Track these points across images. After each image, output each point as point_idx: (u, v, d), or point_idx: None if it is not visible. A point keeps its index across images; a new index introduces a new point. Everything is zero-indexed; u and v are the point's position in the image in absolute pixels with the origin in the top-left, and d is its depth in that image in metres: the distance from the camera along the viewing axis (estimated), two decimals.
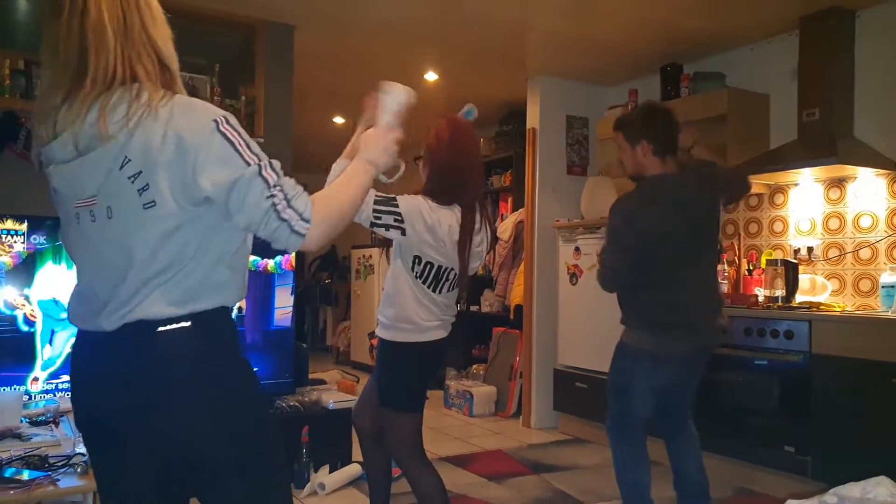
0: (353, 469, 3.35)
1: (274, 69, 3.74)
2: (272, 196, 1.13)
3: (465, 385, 5.11)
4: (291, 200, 1.14)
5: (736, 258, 3.87)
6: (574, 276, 4.37)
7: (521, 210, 5.07)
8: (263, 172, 1.14)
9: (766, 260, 3.59)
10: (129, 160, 1.10)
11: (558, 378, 4.48)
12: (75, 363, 1.25)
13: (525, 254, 4.83)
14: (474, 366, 5.45)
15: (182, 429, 1.15)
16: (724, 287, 3.72)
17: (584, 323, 4.24)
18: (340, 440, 3.45)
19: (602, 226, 4.13)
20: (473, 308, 5.75)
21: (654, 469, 2.58)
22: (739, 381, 3.32)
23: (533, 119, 4.74)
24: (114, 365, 1.16)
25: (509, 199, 5.50)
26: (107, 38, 1.11)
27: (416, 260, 2.17)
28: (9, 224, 2.81)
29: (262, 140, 3.67)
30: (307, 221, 1.15)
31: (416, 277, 2.18)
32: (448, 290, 2.25)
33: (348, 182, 1.29)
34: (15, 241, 2.80)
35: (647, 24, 3.70)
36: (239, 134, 1.14)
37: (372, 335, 6.85)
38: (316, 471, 3.24)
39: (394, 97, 1.41)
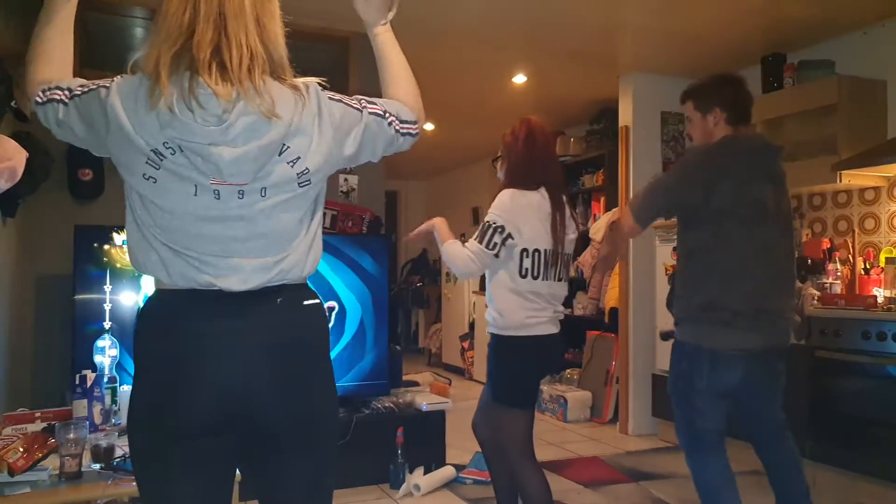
0: (448, 472, 3.38)
1: (366, 79, 3.84)
2: (391, 124, 1.33)
3: (558, 389, 5.05)
4: (399, 117, 1.34)
5: (850, 256, 3.62)
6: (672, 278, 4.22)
7: (614, 210, 4.96)
8: (371, 109, 1.31)
9: (886, 258, 3.34)
10: (289, 146, 1.18)
11: (657, 383, 4.33)
12: (188, 327, 1.19)
13: (620, 255, 4.72)
14: (568, 370, 5.37)
15: (315, 395, 1.26)
16: (837, 287, 3.49)
17: None
18: (434, 442, 3.49)
19: None
20: (566, 311, 5.66)
21: (752, 478, 2.38)
22: (857, 387, 3.10)
23: (626, 117, 4.63)
24: (260, 323, 1.21)
25: (602, 199, 5.39)
26: (250, 24, 1.18)
27: (524, 253, 2.24)
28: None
29: None
30: (415, 123, 1.37)
31: (526, 275, 2.24)
32: (555, 279, 2.30)
33: (396, 60, 1.42)
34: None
35: (745, 13, 3.53)
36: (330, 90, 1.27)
37: (464, 338, 6.89)
38: (411, 472, 3.29)
39: None
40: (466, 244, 2.26)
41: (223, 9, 1.15)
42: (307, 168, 1.21)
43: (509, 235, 2.21)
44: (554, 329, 2.31)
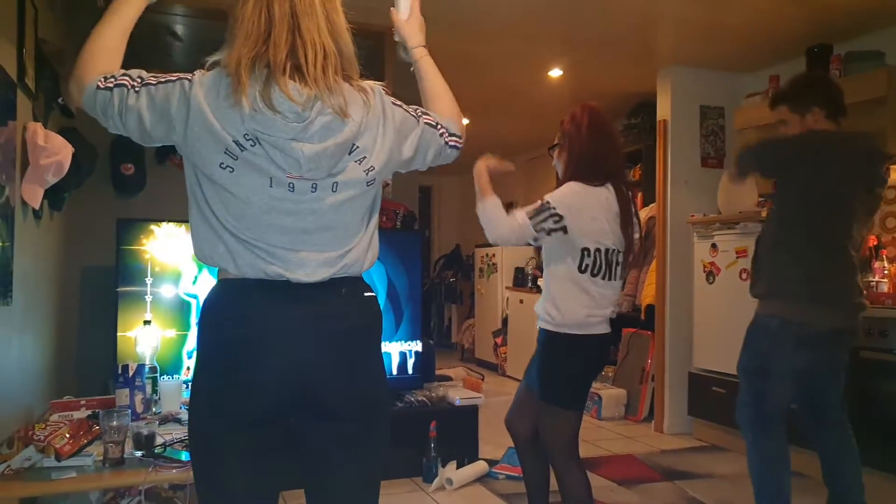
0: (480, 466, 3.38)
1: (400, 73, 3.84)
2: (441, 134, 1.42)
3: (593, 387, 5.00)
4: (448, 129, 1.43)
5: None
6: (711, 275, 4.14)
7: (651, 205, 4.88)
8: (425, 118, 1.39)
9: None
10: (357, 147, 1.25)
11: (693, 382, 4.26)
12: (256, 314, 1.23)
13: (657, 251, 4.65)
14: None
15: (374, 380, 1.33)
16: (884, 286, 3.38)
17: (721, 324, 4.00)
18: (467, 436, 3.50)
19: (741, 221, 3.91)
20: None
21: (800, 481, 2.37)
22: None
23: (664, 110, 4.55)
24: (325, 311, 1.26)
25: (639, 194, 5.32)
26: (321, 21, 1.23)
27: (585, 252, 2.16)
28: (170, 228, 3.09)
29: None
30: (460, 137, 1.46)
31: (585, 271, 2.16)
32: (616, 278, 2.23)
33: (439, 80, 1.50)
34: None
35: (789, 4, 3.43)
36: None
37: (497, 333, 6.88)
38: (444, 466, 3.30)
39: None
40: (514, 212, 2.17)
41: (294, 8, 1.21)
42: (373, 166, 1.28)
43: (563, 229, 2.13)
44: (608, 329, 2.24)
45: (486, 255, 7.07)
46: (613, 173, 2.23)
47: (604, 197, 2.18)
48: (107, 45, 1.25)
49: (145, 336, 2.87)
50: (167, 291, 3.06)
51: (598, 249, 2.16)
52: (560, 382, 2.21)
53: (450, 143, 1.43)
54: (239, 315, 1.23)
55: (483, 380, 3.87)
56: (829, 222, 2.29)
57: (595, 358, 2.26)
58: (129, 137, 1.26)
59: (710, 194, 4.32)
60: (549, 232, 2.13)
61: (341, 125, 1.21)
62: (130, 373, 2.56)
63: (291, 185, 1.21)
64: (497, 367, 6.64)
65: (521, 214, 2.15)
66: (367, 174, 1.27)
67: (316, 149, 1.19)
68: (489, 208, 2.20)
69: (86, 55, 1.23)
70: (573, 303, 2.17)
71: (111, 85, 1.20)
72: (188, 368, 3.06)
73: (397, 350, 3.47)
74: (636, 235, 2.27)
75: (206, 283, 3.08)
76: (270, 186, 1.20)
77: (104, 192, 3.41)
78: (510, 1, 3.47)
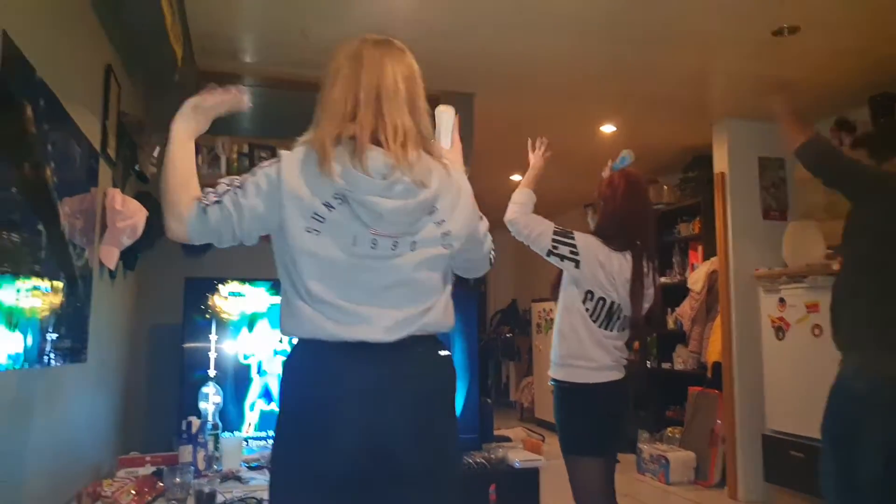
0: None
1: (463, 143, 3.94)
2: (492, 247, 1.53)
3: (659, 449, 4.81)
4: (491, 244, 1.53)
5: None
6: (780, 330, 3.98)
7: (713, 259, 4.77)
8: (485, 223, 1.49)
9: None
10: (437, 209, 1.34)
11: (768, 445, 4.04)
12: (336, 376, 1.27)
13: (721, 306, 4.51)
14: (669, 428, 5.11)
15: (449, 441, 1.36)
16: None
17: (795, 382, 3.82)
18: (528, 500, 3.39)
19: (809, 274, 3.77)
20: (665, 365, 5.44)
21: None
22: None
23: (721, 163, 4.50)
24: (402, 371, 1.30)
25: (699, 248, 5.21)
26: (402, 104, 1.34)
27: (589, 295, 2.24)
28: (234, 286, 3.19)
29: None
30: (492, 259, 1.55)
31: (588, 314, 2.24)
32: (619, 330, 2.28)
33: None
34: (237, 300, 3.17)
35: (847, 55, 3.39)
36: None
37: None
38: None
39: (449, 116, 1.62)
40: (546, 221, 2.30)
41: (380, 92, 1.32)
42: (450, 230, 1.35)
43: (576, 263, 2.23)
44: (617, 375, 2.26)
45: (544, 309, 6.96)
46: (637, 242, 2.30)
47: (617, 264, 2.26)
48: (185, 175, 1.34)
49: (208, 392, 2.93)
50: (230, 348, 3.14)
51: (601, 298, 2.24)
52: (569, 431, 2.25)
53: (491, 252, 1.54)
54: (318, 379, 1.28)
55: (544, 441, 3.77)
56: None
57: (605, 404, 2.26)
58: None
59: (774, 247, 4.20)
60: (562, 258, 2.24)
61: (419, 190, 1.30)
62: (194, 429, 2.61)
63: (374, 241, 1.28)
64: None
65: (550, 223, 2.28)
66: (443, 237, 1.35)
67: (397, 203, 1.27)
68: (524, 197, 2.36)
69: (171, 192, 1.32)
70: (579, 338, 2.23)
71: (214, 199, 1.30)
72: (249, 424, 3.10)
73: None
74: (646, 305, 2.31)
75: (264, 343, 3.15)
76: (354, 245, 1.27)
77: (174, 252, 3.56)
78: (563, 61, 3.54)
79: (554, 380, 2.31)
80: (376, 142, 1.29)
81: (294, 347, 1.34)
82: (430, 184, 1.32)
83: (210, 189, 1.32)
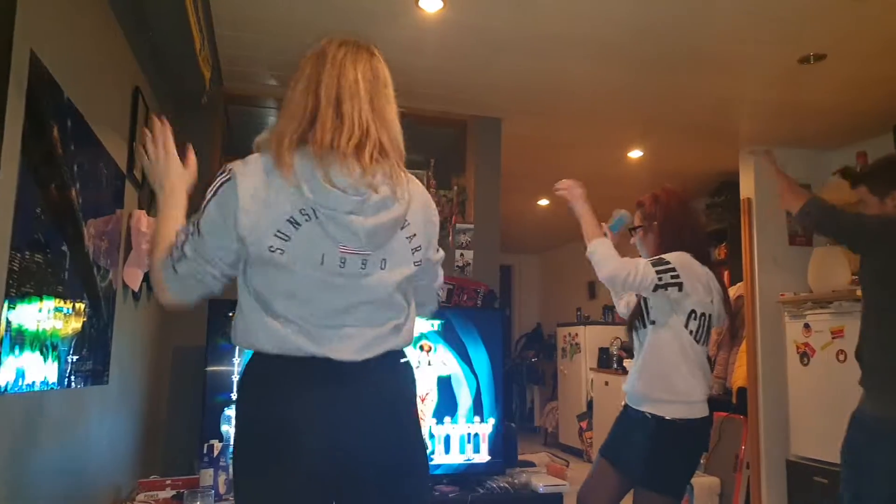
0: None
1: (483, 159, 3.95)
2: (442, 284, 1.53)
3: None
4: (441, 280, 1.54)
5: None
6: (805, 356, 3.90)
7: (739, 284, 4.70)
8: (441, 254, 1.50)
9: None
10: (408, 223, 1.32)
11: (792, 471, 3.96)
12: (297, 394, 1.24)
13: (746, 331, 4.43)
14: None
15: (413, 443, 1.34)
16: None
17: (820, 408, 3.74)
18: None
19: (835, 300, 3.70)
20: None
21: None
22: None
23: (747, 189, 4.45)
24: (367, 391, 1.27)
25: (725, 273, 5.13)
26: (363, 104, 1.28)
27: (692, 315, 2.18)
28: None
29: (471, 226, 3.86)
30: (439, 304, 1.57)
31: (693, 335, 2.17)
32: (706, 345, 2.24)
33: None
34: None
35: (873, 83, 3.36)
36: None
37: (582, 417, 6.62)
38: None
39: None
40: (635, 259, 2.20)
41: (340, 92, 1.26)
42: (420, 245, 1.33)
43: (679, 286, 2.13)
44: (707, 411, 2.20)
45: (569, 334, 6.91)
46: (701, 252, 2.27)
47: (703, 270, 2.22)
48: (163, 252, 1.31)
49: (231, 414, 2.92)
50: None
51: (703, 314, 2.18)
52: (668, 471, 2.15)
53: (439, 287, 1.53)
54: (277, 396, 1.23)
55: (568, 466, 3.70)
56: None
57: (703, 443, 2.23)
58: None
59: (800, 273, 4.15)
60: (667, 286, 2.13)
61: (392, 202, 1.26)
62: (215, 453, 2.60)
63: (343, 259, 1.23)
64: (582, 452, 6.36)
65: (642, 261, 2.18)
66: (413, 253, 1.34)
67: (372, 222, 1.23)
68: (601, 247, 2.24)
69: (151, 271, 1.32)
70: (678, 370, 2.15)
71: (178, 255, 1.26)
72: None
73: (477, 432, 3.39)
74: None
75: None
76: (322, 263, 1.22)
77: None
78: (590, 86, 3.54)
79: (644, 414, 2.19)
80: (338, 146, 1.22)
81: (251, 360, 1.29)
82: (400, 195, 1.28)
83: (177, 239, 1.28)
